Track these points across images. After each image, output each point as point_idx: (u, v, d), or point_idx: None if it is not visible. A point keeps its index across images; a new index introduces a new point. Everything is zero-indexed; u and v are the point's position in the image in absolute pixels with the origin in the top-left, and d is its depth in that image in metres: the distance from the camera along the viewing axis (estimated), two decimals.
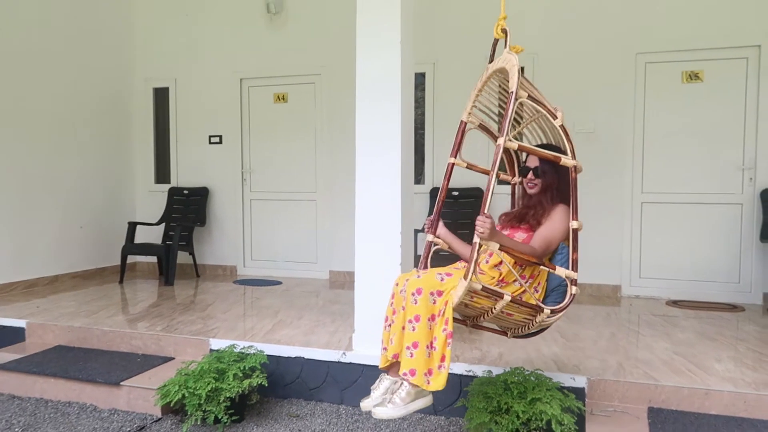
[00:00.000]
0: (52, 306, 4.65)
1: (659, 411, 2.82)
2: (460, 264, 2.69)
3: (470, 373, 3.10)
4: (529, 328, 2.51)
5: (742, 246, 5.08)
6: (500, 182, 3.12)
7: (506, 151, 2.97)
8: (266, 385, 3.12)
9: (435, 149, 5.87)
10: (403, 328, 2.31)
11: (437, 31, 5.73)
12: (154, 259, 6.63)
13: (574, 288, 2.38)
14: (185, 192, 6.62)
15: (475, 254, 2.14)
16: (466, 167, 2.86)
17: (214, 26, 6.54)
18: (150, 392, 3.14)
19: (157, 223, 6.45)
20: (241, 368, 3.05)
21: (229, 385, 2.93)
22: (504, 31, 2.61)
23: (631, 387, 2.93)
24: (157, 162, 6.96)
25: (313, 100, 6.28)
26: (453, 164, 2.79)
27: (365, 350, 3.29)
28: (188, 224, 6.30)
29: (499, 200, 5.63)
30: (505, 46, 2.55)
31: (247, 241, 6.61)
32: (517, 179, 2.94)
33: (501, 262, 2.47)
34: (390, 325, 2.43)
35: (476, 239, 2.17)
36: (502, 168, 2.94)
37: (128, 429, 3.00)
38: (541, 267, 2.43)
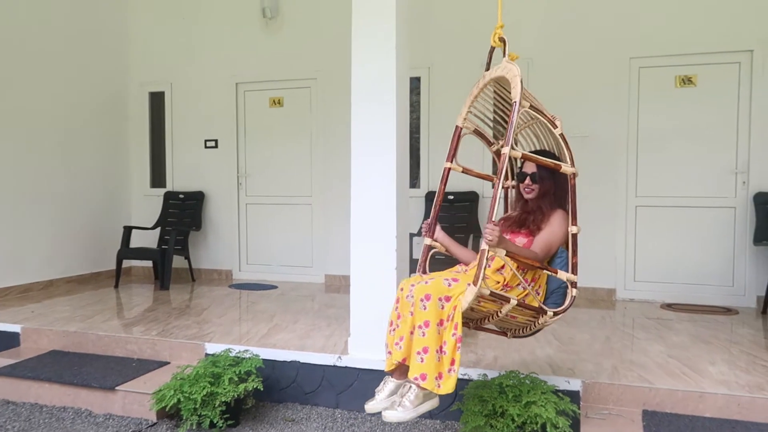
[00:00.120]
0: (47, 311, 4.64)
1: (654, 414, 2.83)
2: (460, 267, 2.74)
3: (465, 377, 3.10)
4: (530, 329, 2.58)
5: (736, 249, 5.11)
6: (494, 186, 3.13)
7: (499, 155, 3.02)
8: (262, 389, 3.12)
9: (430, 153, 5.89)
10: (412, 333, 2.34)
11: (432, 36, 5.76)
12: (149, 263, 6.62)
13: (574, 290, 2.46)
14: (181, 196, 6.61)
15: (484, 261, 2.21)
16: (462, 171, 2.89)
17: (210, 31, 6.55)
18: (145, 397, 3.13)
19: (153, 228, 6.44)
20: (237, 372, 3.05)
21: (224, 389, 2.93)
22: (502, 40, 2.65)
23: (626, 390, 2.94)
24: (152, 166, 6.95)
25: (308, 104, 6.30)
26: (449, 169, 2.83)
27: (361, 354, 3.29)
28: (184, 228, 6.29)
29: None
30: (504, 55, 2.61)
31: (243, 245, 6.61)
32: (510, 183, 2.98)
33: (503, 267, 2.52)
34: (394, 330, 2.46)
35: (484, 246, 2.23)
36: (494, 172, 2.99)
37: None
38: (543, 271, 2.50)
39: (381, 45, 3.22)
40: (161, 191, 6.77)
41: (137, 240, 6.43)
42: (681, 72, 5.22)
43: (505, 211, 3.05)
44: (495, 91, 2.83)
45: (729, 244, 5.14)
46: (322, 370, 3.34)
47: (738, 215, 5.10)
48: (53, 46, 5.80)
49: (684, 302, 5.18)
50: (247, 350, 3.39)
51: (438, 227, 2.82)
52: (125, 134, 6.87)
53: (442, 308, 2.31)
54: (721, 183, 5.14)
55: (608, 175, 5.36)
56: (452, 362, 2.27)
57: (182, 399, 2.90)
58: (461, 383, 3.09)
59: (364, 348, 3.29)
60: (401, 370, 2.46)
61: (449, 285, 2.35)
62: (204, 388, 2.90)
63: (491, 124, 3.10)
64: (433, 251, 2.83)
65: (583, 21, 5.40)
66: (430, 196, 5.78)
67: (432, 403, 2.37)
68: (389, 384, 2.49)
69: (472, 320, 2.60)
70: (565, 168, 2.50)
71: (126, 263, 6.56)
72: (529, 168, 2.68)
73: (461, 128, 2.86)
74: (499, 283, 2.52)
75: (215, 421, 2.90)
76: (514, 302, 2.33)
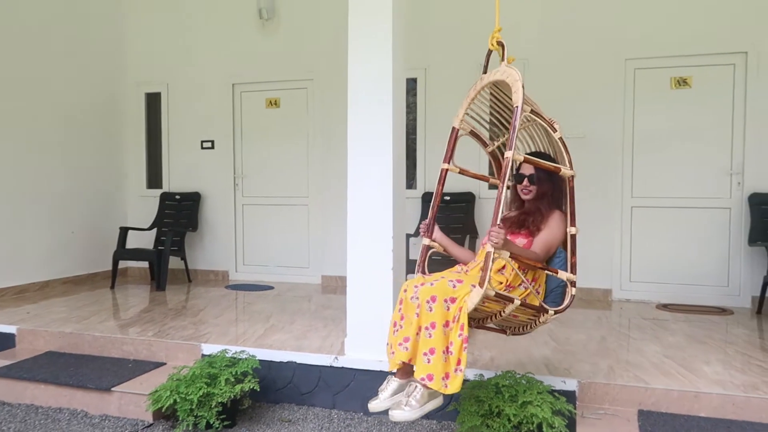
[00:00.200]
0: (43, 312, 4.62)
1: (649, 414, 2.84)
2: (459, 267, 2.78)
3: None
4: (531, 327, 2.65)
5: (731, 250, 5.14)
6: (490, 187, 3.18)
7: (495, 156, 3.08)
8: (258, 389, 3.12)
9: (427, 154, 5.90)
10: (418, 334, 2.36)
11: (429, 37, 5.77)
12: (145, 264, 6.61)
13: (573, 289, 2.54)
14: (177, 197, 6.60)
15: (490, 263, 2.25)
16: (459, 172, 2.92)
17: (207, 31, 6.55)
18: (141, 398, 3.13)
19: (149, 228, 6.44)
20: (233, 373, 3.05)
21: (220, 390, 2.93)
22: (500, 44, 2.69)
23: (622, 390, 2.95)
24: (148, 167, 6.94)
25: (305, 105, 6.30)
26: (447, 170, 2.86)
27: (357, 355, 3.30)
28: (180, 229, 6.29)
29: (488, 204, 5.69)
30: (502, 59, 2.66)
31: (239, 246, 6.60)
32: (507, 183, 2.97)
33: (504, 267, 2.57)
34: (398, 330, 2.49)
35: (490, 249, 2.27)
36: (490, 172, 3.04)
37: None
38: (542, 270, 2.56)
39: (378, 46, 3.23)
40: (157, 192, 6.76)
41: (133, 241, 6.42)
42: (676, 73, 5.24)
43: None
44: (491, 93, 2.86)
45: (724, 245, 5.16)
46: (318, 371, 3.34)
47: (733, 216, 5.13)
48: (50, 47, 5.79)
49: (679, 302, 5.20)
50: (243, 351, 3.39)
51: (436, 227, 2.86)
52: (121, 135, 6.86)
53: (448, 309, 2.34)
54: (717, 184, 5.17)
55: (604, 175, 5.38)
56: (458, 362, 2.30)
57: (178, 400, 2.90)
58: None
59: (361, 348, 3.30)
60: (404, 369, 2.50)
61: (454, 286, 2.39)
62: (200, 389, 2.90)
63: (487, 126, 3.13)
64: (431, 251, 2.86)
65: (578, 22, 5.42)
66: (426, 197, 5.79)
67: (436, 402, 2.42)
68: (392, 383, 2.53)
69: (475, 320, 2.64)
70: (565, 171, 2.57)
71: (122, 264, 6.54)
72: (527, 170, 2.72)
73: (458, 130, 2.89)
74: (501, 283, 2.57)
75: (211, 422, 2.90)
76: (517, 302, 2.39)
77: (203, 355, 3.55)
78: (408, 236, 4.99)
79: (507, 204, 3.02)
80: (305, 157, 6.31)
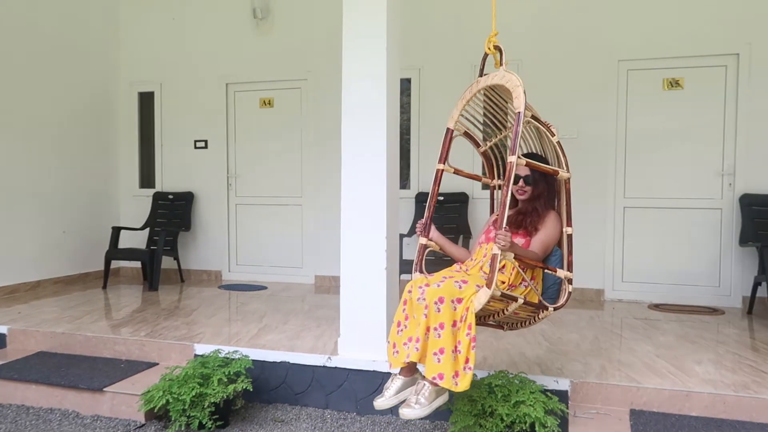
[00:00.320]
0: (34, 312, 4.60)
1: (641, 413, 2.86)
2: (458, 266, 2.85)
3: None
4: (529, 323, 2.75)
5: (722, 250, 5.17)
6: (483, 187, 3.23)
7: (487, 156, 3.14)
8: (251, 390, 3.11)
9: (421, 154, 5.90)
10: (427, 335, 2.41)
11: (423, 37, 5.77)
12: (138, 264, 6.58)
13: (570, 286, 2.66)
14: (170, 197, 6.58)
15: (497, 264, 2.34)
16: (454, 173, 2.98)
17: (200, 31, 6.53)
18: (133, 398, 3.12)
19: (142, 228, 6.41)
20: (226, 373, 3.04)
21: (213, 390, 2.92)
22: (497, 48, 2.74)
23: (614, 389, 2.96)
24: (141, 166, 6.92)
25: (299, 105, 6.29)
26: (442, 170, 2.90)
27: (351, 355, 3.30)
28: (173, 229, 6.26)
29: (481, 204, 5.70)
30: (501, 63, 2.72)
31: (233, 246, 6.58)
32: (497, 182, 3.11)
33: (504, 266, 2.63)
34: (402, 330, 2.54)
35: (496, 251, 2.35)
36: (483, 172, 3.12)
37: None
38: (539, 269, 2.66)
39: (372, 46, 3.23)
40: (150, 192, 6.73)
41: (126, 241, 6.40)
42: (669, 75, 5.27)
43: (491, 211, 3.17)
44: (485, 95, 2.91)
45: (715, 245, 5.19)
46: (311, 371, 3.34)
47: (724, 217, 5.16)
48: (41, 46, 5.76)
49: (671, 302, 5.23)
50: (236, 351, 3.38)
51: (432, 227, 2.90)
52: (114, 134, 6.82)
53: (455, 310, 2.40)
54: (708, 185, 5.20)
55: (597, 176, 5.40)
56: (467, 360, 2.36)
57: (171, 400, 2.89)
58: None
59: (354, 348, 3.30)
60: (409, 367, 2.57)
61: (460, 287, 2.45)
62: (193, 389, 2.89)
63: (481, 127, 3.17)
64: (427, 250, 2.90)
65: (572, 23, 5.44)
66: (420, 197, 5.80)
67: (444, 398, 2.49)
68: (397, 381, 2.58)
69: (477, 317, 2.67)
70: (562, 173, 2.66)
71: (114, 264, 6.51)
72: (523, 171, 2.78)
73: (453, 131, 2.93)
74: (504, 282, 2.63)
75: (204, 422, 2.89)
76: (521, 301, 2.47)
77: (196, 355, 3.54)
78: (401, 236, 5.00)
79: (499, 203, 3.04)
80: (299, 157, 6.31)
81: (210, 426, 2.91)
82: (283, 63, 6.26)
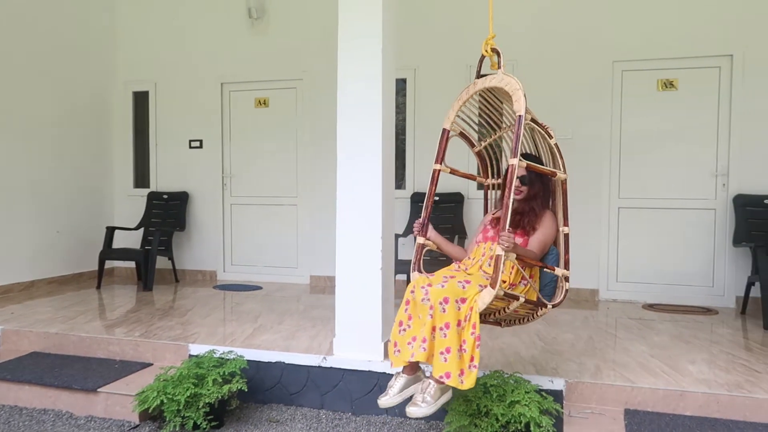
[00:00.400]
0: (28, 312, 4.57)
1: (635, 412, 2.87)
2: (456, 265, 2.90)
3: None
4: (527, 320, 2.83)
5: (716, 250, 5.20)
6: (478, 187, 3.27)
7: (480, 155, 3.20)
8: (246, 390, 3.11)
9: (416, 154, 5.90)
10: (433, 334, 2.46)
11: (419, 37, 5.78)
12: (132, 264, 6.56)
13: (567, 284, 2.75)
14: (165, 196, 6.56)
15: (501, 265, 2.40)
16: (450, 173, 3.02)
17: (196, 30, 6.51)
18: (128, 399, 3.10)
19: (136, 228, 6.39)
20: (221, 373, 3.03)
21: (208, 390, 2.91)
22: (495, 51, 2.78)
23: (608, 389, 2.97)
24: (136, 166, 6.89)
25: (294, 105, 6.28)
26: (439, 171, 2.94)
27: (346, 355, 3.30)
28: (168, 229, 6.25)
29: (476, 204, 5.71)
30: (498, 66, 2.77)
31: (228, 246, 6.57)
32: (490, 181, 3.20)
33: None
34: (405, 330, 2.58)
35: (500, 252, 2.42)
36: (477, 172, 3.18)
37: None
38: (537, 267, 2.75)
39: (367, 46, 3.23)
40: (145, 191, 6.71)
41: (120, 241, 6.37)
42: (663, 76, 5.29)
43: (485, 210, 3.23)
44: (481, 95, 2.94)
45: (709, 246, 5.22)
46: (307, 371, 3.33)
47: (718, 217, 5.19)
48: (36, 45, 5.73)
49: (665, 302, 5.25)
50: (231, 351, 3.37)
51: (430, 226, 2.95)
52: (108, 134, 6.79)
53: (459, 309, 2.45)
54: (702, 185, 5.23)
55: (592, 176, 5.42)
56: (472, 359, 2.42)
57: (165, 400, 2.88)
58: None
59: (350, 349, 3.30)
60: (411, 365, 2.62)
61: (463, 287, 2.50)
62: (187, 390, 2.88)
63: (476, 128, 3.21)
64: (425, 250, 2.94)
65: (566, 24, 5.45)
66: (415, 197, 5.80)
67: (448, 396, 2.55)
68: (400, 379, 2.62)
69: (480, 315, 2.71)
70: (560, 175, 2.75)
71: (109, 264, 6.49)
72: (519, 171, 2.79)
73: (449, 131, 2.96)
74: (505, 282, 2.67)
75: (199, 423, 2.88)
76: (522, 299, 2.55)
77: (191, 356, 3.52)
78: (397, 236, 5.00)
79: (496, 203, 3.16)
80: (294, 156, 6.30)
81: (205, 426, 2.91)
82: (278, 63, 6.25)
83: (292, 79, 6.24)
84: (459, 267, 2.88)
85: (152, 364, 3.60)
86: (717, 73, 5.16)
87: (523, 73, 5.38)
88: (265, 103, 6.39)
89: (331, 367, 3.29)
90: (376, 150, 3.24)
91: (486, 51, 2.81)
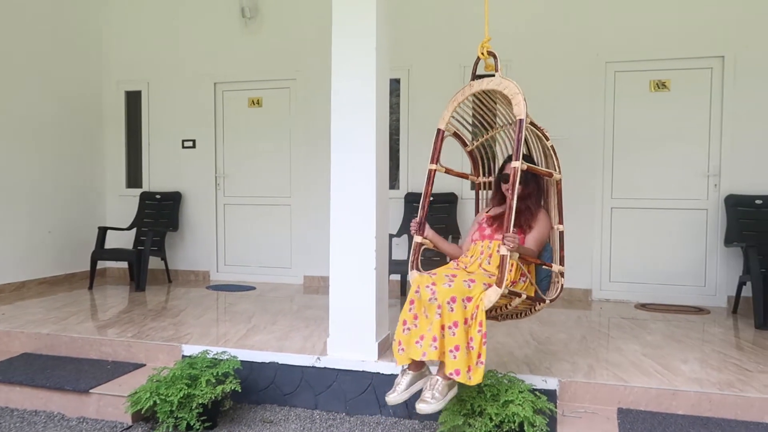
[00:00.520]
0: (19, 313, 4.54)
1: (628, 411, 2.88)
2: (454, 263, 2.96)
3: None
4: (525, 315, 2.95)
5: (708, 250, 5.23)
6: (472, 187, 3.32)
7: (472, 154, 3.28)
8: (240, 390, 3.09)
9: (410, 154, 5.90)
10: (442, 332, 2.53)
11: (412, 37, 5.78)
12: (124, 264, 6.53)
13: (563, 279, 2.87)
14: (157, 196, 6.53)
15: (506, 264, 2.50)
16: (445, 172, 3.07)
17: (188, 30, 6.48)
18: (120, 399, 3.09)
19: (128, 228, 6.35)
20: (214, 374, 3.02)
21: (201, 391, 2.90)
22: (491, 54, 2.82)
23: (601, 388, 2.98)
24: (128, 166, 6.85)
25: (287, 104, 6.27)
26: (435, 170, 2.99)
27: (340, 355, 3.29)
28: (160, 229, 6.22)
29: (470, 204, 5.71)
30: (496, 69, 2.83)
31: (221, 246, 6.55)
32: (482, 179, 3.28)
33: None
34: (409, 329, 2.65)
35: (505, 252, 2.51)
36: (471, 171, 3.27)
37: None
38: (536, 264, 2.86)
39: (361, 46, 3.23)
40: (137, 191, 6.67)
41: (112, 241, 6.33)
42: (655, 76, 5.32)
43: (476, 209, 3.31)
44: (476, 97, 2.96)
45: (701, 246, 5.25)
46: (300, 371, 3.32)
47: (710, 217, 5.22)
48: (27, 45, 5.69)
49: (658, 302, 5.27)
50: (224, 352, 3.36)
51: (426, 225, 2.99)
52: (100, 134, 6.76)
53: (466, 308, 2.53)
54: (694, 185, 5.26)
55: (585, 177, 5.44)
56: (479, 356, 2.50)
57: (158, 401, 2.86)
58: None
59: (344, 349, 3.29)
60: (417, 362, 2.68)
61: (469, 286, 2.57)
62: (181, 390, 2.87)
63: (470, 128, 3.25)
64: (422, 248, 3.00)
65: (560, 26, 5.47)
66: (409, 197, 5.80)
67: (455, 391, 2.62)
68: (407, 376, 2.68)
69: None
70: (556, 175, 2.86)
71: (101, 264, 6.45)
72: (516, 171, 2.80)
73: (444, 131, 3.01)
74: (508, 280, 2.73)
75: (192, 424, 2.87)
76: (524, 296, 2.65)
77: (184, 356, 3.51)
78: (390, 236, 4.99)
79: (488, 202, 3.24)
80: (288, 156, 6.28)
81: (198, 427, 2.89)
82: (271, 62, 6.23)
83: (285, 78, 6.22)
84: (458, 265, 2.93)
85: (145, 365, 3.58)
86: (709, 74, 5.20)
87: (516, 73, 5.43)
88: (258, 103, 6.37)
89: (324, 368, 3.29)
90: (370, 149, 3.24)
91: (482, 54, 2.85)
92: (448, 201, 5.68)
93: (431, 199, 5.56)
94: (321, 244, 5.92)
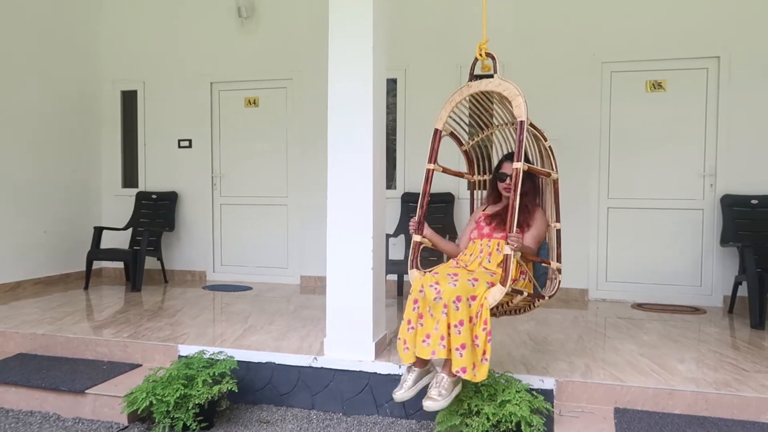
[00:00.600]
0: (14, 313, 4.52)
1: (625, 411, 2.88)
2: (453, 262, 2.99)
3: None
4: (524, 311, 3.01)
5: (704, 250, 5.24)
6: (469, 187, 3.34)
7: (468, 153, 3.31)
8: (236, 390, 3.09)
9: (407, 155, 5.90)
10: (449, 332, 2.56)
11: (409, 37, 5.78)
12: (120, 264, 6.51)
13: (560, 276, 2.95)
14: (153, 196, 6.51)
15: (510, 263, 2.57)
16: (442, 171, 3.09)
17: (185, 29, 6.47)
18: (116, 400, 3.08)
19: (124, 228, 6.33)
20: (211, 374, 3.01)
21: (198, 391, 2.89)
22: (489, 55, 2.84)
23: (598, 388, 2.99)
24: (124, 166, 6.83)
25: (284, 104, 6.26)
26: (432, 170, 3.01)
27: (337, 355, 3.29)
28: (156, 229, 6.20)
29: (467, 205, 5.70)
30: (495, 71, 2.85)
31: (217, 246, 6.53)
32: (476, 177, 3.32)
33: (501, 261, 2.78)
34: (413, 328, 2.69)
35: (509, 251, 2.58)
36: (467, 171, 3.30)
37: None
38: (534, 262, 2.93)
39: (358, 46, 3.22)
40: (133, 191, 6.65)
41: (108, 241, 6.31)
42: (651, 77, 5.33)
43: (471, 208, 3.33)
44: (472, 97, 2.97)
45: (697, 245, 5.26)
46: (297, 371, 3.32)
47: (706, 217, 5.23)
48: (22, 44, 5.66)
49: (654, 302, 5.29)
50: (221, 352, 3.35)
51: (426, 225, 3.02)
52: (96, 133, 6.73)
53: (470, 306, 2.57)
54: (690, 185, 5.27)
55: (581, 176, 5.45)
56: (484, 353, 2.55)
57: (155, 401, 2.86)
58: None
59: (340, 349, 3.29)
60: (422, 360, 2.71)
61: (473, 285, 2.61)
62: (177, 391, 2.86)
63: (466, 128, 3.27)
64: (421, 247, 3.02)
65: (556, 26, 5.48)
66: (406, 197, 5.80)
67: (459, 387, 2.68)
68: (413, 373, 2.71)
69: None
70: (553, 175, 2.93)
71: (96, 264, 6.43)
72: (509, 169, 2.93)
73: (441, 131, 3.02)
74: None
75: (188, 424, 2.86)
76: (525, 293, 2.71)
77: (180, 356, 3.50)
78: (387, 236, 4.99)
79: (484, 200, 3.28)
80: (284, 156, 6.28)
81: (194, 428, 2.88)
82: (268, 62, 6.22)
83: (282, 78, 6.22)
84: (458, 263, 2.95)
85: (141, 365, 3.57)
86: (704, 75, 5.21)
87: (513, 74, 5.44)
88: (254, 103, 6.36)
89: (321, 368, 3.28)
90: (367, 149, 3.23)
91: (480, 55, 2.86)
92: (445, 201, 5.68)
93: (428, 198, 5.65)
94: (318, 244, 5.91)
